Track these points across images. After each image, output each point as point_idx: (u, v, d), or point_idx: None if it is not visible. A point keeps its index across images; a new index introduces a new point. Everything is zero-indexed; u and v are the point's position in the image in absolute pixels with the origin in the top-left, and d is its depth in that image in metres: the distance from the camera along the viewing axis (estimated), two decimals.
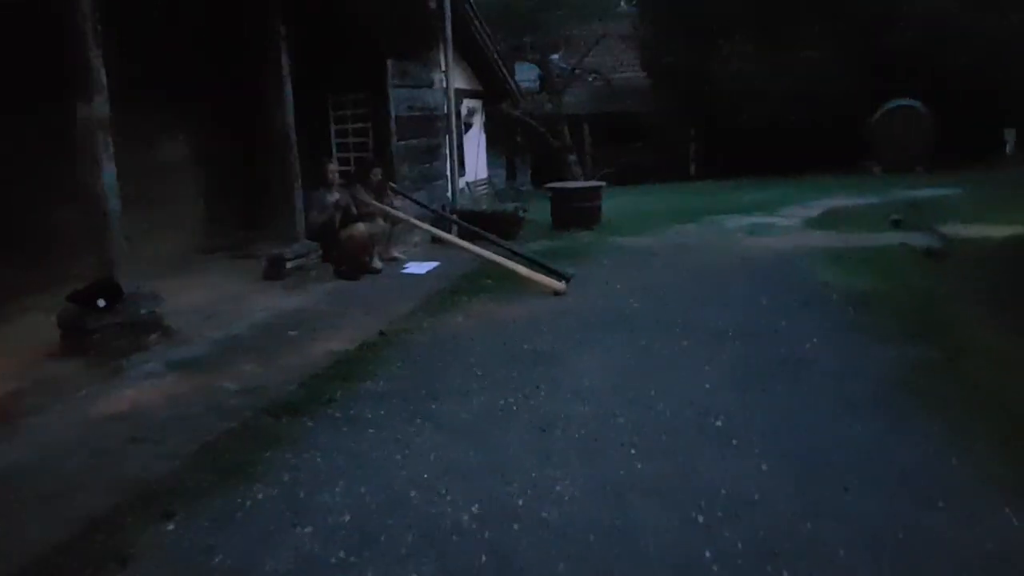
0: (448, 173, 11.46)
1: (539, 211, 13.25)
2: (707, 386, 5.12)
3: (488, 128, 14.68)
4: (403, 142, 10.01)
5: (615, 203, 13.77)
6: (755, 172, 19.66)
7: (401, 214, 8.97)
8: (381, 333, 6.44)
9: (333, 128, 9.86)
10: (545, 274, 8.27)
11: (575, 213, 12.98)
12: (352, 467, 4.13)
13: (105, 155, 5.58)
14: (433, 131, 11.01)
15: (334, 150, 9.83)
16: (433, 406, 4.95)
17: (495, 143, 15.23)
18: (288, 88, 7.70)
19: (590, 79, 20.31)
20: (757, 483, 3.79)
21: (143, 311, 5.82)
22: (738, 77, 19.98)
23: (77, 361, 5.37)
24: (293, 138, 7.67)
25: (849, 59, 19.74)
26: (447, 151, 11.42)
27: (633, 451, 4.19)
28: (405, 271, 8.73)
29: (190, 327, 6.30)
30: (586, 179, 15.50)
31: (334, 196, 8.30)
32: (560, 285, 7.98)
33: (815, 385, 5.12)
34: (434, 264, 9.00)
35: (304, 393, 5.14)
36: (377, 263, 8.68)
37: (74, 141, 5.58)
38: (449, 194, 11.52)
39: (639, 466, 4.01)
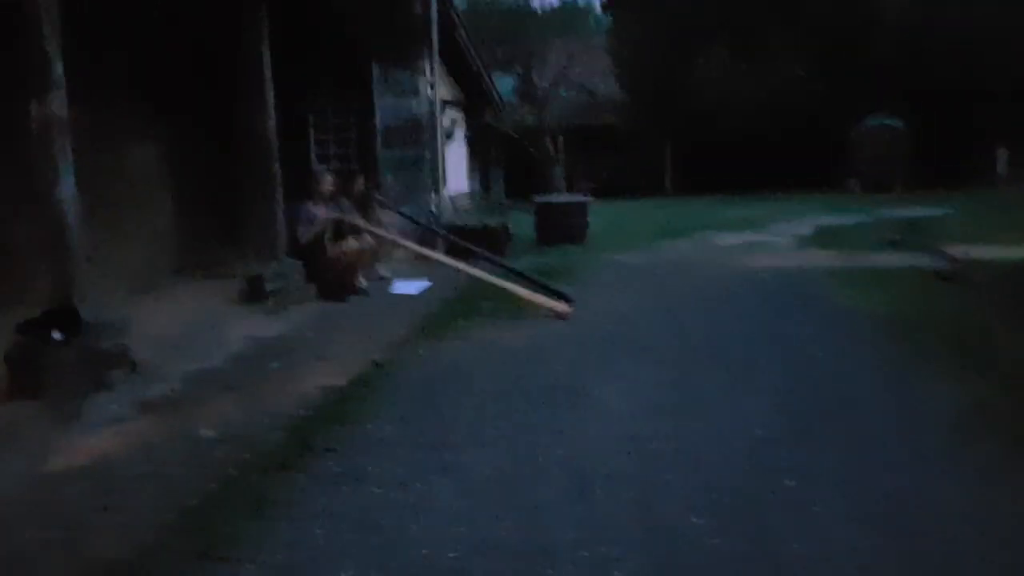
0: (433, 185, 10.72)
1: (520, 226, 12.54)
2: (758, 433, 4.42)
3: (469, 139, 13.99)
4: (388, 151, 9.25)
5: (596, 218, 13.13)
6: (731, 188, 19.19)
7: (386, 232, 8.21)
8: (376, 364, 5.68)
9: (313, 136, 9.07)
10: (545, 295, 7.58)
11: (561, 228, 12.32)
12: (360, 542, 3.36)
13: (63, 160, 4.77)
14: (418, 141, 10.28)
15: (313, 159, 9.04)
16: (447, 456, 4.20)
17: (473, 155, 14.54)
18: (270, 92, 6.94)
19: (574, 92, 19.70)
20: (860, 565, 3.10)
21: (106, 343, 5.00)
22: (712, 90, 19.54)
23: (28, 404, 4.55)
24: (275, 146, 6.89)
25: (826, 72, 19.39)
26: (432, 162, 10.69)
27: (697, 520, 3.47)
28: (395, 291, 7.97)
29: (160, 359, 5.49)
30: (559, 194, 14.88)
31: (322, 210, 7.55)
32: (565, 307, 7.28)
33: (879, 432, 4.46)
34: (424, 284, 8.25)
35: (295, 441, 4.36)
36: (363, 282, 7.91)
37: (28, 144, 4.77)
38: (434, 207, 10.77)
39: (711, 542, 3.30)
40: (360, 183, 8.12)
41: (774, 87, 19.08)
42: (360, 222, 8.12)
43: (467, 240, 9.20)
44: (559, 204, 12.73)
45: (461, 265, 7.91)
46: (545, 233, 12.43)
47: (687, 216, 15.64)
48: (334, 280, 7.41)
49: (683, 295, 8.23)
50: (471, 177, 14.30)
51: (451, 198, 12.42)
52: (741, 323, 6.90)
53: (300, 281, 7.20)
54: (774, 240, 12.31)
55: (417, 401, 5.07)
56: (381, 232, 8.15)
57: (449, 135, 12.98)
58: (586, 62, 21.73)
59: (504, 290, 7.69)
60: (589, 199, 12.94)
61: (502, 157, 15.76)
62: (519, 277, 7.99)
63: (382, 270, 8.58)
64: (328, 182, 7.58)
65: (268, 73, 6.89)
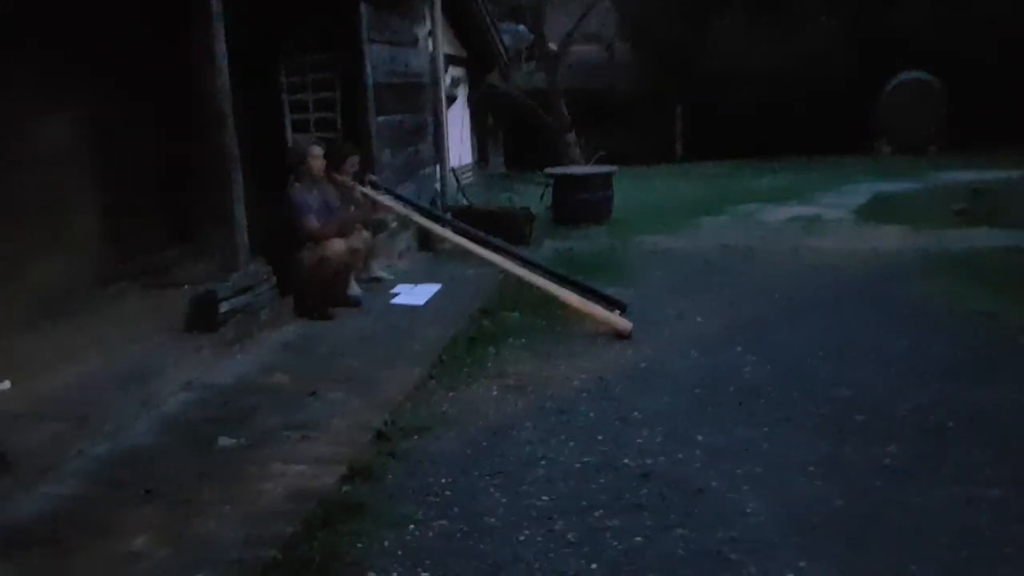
0: (437, 159, 8.67)
1: (527, 202, 10.53)
2: None
3: (473, 103, 11.86)
4: (383, 118, 7.17)
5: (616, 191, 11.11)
6: (747, 154, 17.13)
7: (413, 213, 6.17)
8: (380, 436, 3.71)
9: (287, 100, 6.98)
10: (595, 302, 5.61)
11: (583, 206, 10.27)
12: None
13: None
14: (418, 104, 8.20)
15: (288, 130, 6.96)
16: None
17: (474, 122, 12.43)
18: (220, 39, 4.86)
19: (588, 50, 17.38)
20: None
21: None
22: (729, 51, 17.42)
23: None
24: (228, 109, 4.83)
25: (852, 32, 17.31)
26: (436, 131, 8.63)
27: None
28: (396, 301, 5.96)
29: (52, 441, 3.49)
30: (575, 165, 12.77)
31: (315, 195, 5.55)
32: (624, 323, 5.32)
33: None
34: (433, 288, 6.25)
35: None
36: (355, 289, 5.91)
37: None
38: (438, 186, 8.73)
39: None
40: (354, 161, 6.05)
41: (798, 48, 16.99)
42: (386, 202, 6.11)
43: (481, 226, 7.21)
44: (580, 176, 10.65)
45: (508, 264, 5.89)
46: (564, 211, 10.40)
47: (714, 187, 13.61)
48: (317, 292, 5.39)
49: (760, 298, 6.25)
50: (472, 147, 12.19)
51: (454, 173, 10.36)
52: (865, 348, 4.94)
53: (270, 295, 5.17)
54: (828, 214, 10.31)
55: (448, 513, 3.11)
56: (416, 216, 6.12)
57: (451, 98, 10.88)
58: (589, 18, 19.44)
59: (538, 294, 5.72)
60: (614, 170, 10.89)
61: (504, 124, 13.57)
62: (555, 278, 5.99)
63: (378, 269, 6.56)
64: (318, 156, 5.54)
65: (219, 13, 4.82)
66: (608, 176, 10.73)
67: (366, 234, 5.92)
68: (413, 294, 5.99)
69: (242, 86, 5.15)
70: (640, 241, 8.90)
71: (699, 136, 19.02)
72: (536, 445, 3.68)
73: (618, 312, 5.66)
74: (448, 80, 10.74)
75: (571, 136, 14.29)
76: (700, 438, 3.70)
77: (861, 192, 11.93)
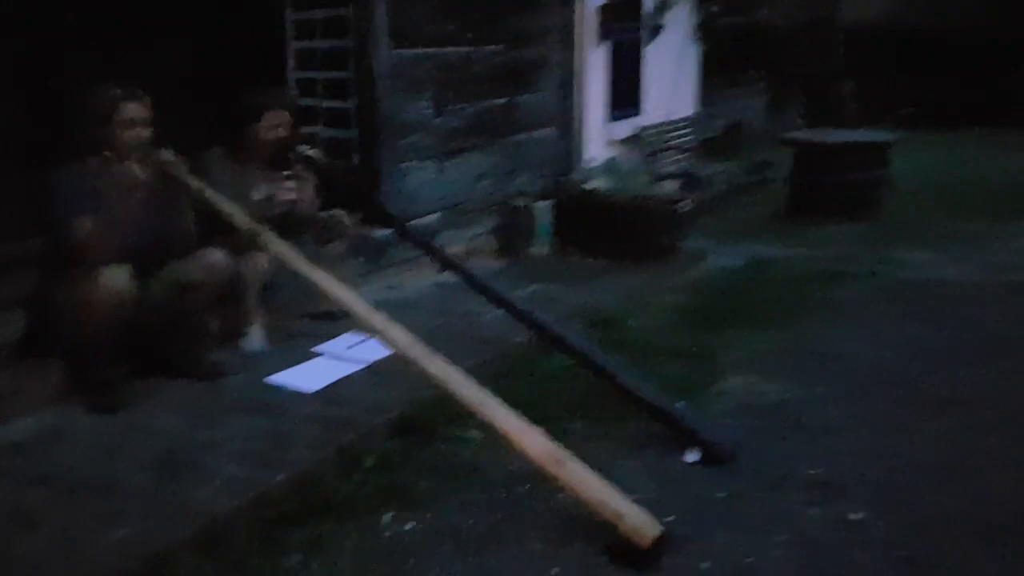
0: (564, 118, 5.69)
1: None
2: None
3: (700, 35, 8.40)
4: (415, 50, 4.40)
5: (904, 165, 7.20)
6: None
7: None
8: None
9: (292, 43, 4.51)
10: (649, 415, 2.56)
11: (832, 190, 6.67)
12: None
13: None
14: (523, 29, 5.25)
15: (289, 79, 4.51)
16: None
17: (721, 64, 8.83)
18: None
19: None
20: None
21: None
22: None
23: None
24: None
25: None
26: (562, 74, 5.63)
27: None
28: (275, 379, 3.23)
29: None
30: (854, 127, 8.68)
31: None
32: (642, 523, 2.23)
33: None
34: (346, 363, 3.39)
35: None
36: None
37: None
38: (572, 153, 5.77)
39: None
40: (276, 118, 3.45)
41: None
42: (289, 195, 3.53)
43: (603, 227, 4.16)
44: (834, 146, 7.00)
45: (425, 358, 2.83)
46: (801, 199, 6.92)
47: None
48: (90, 350, 2.90)
49: None
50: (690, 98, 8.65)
51: (642, 133, 7.26)
52: None
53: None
54: None
55: None
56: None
57: (654, 27, 7.64)
58: None
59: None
60: (890, 140, 7.06)
61: (788, 67, 9.64)
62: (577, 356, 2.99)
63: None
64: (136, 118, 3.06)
65: None
66: (880, 148, 6.95)
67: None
68: (306, 375, 3.24)
69: None
70: (902, 261, 5.28)
71: None
72: None
73: (692, 457, 2.63)
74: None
75: (846, 86, 10.14)
76: None
77: None
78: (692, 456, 2.80)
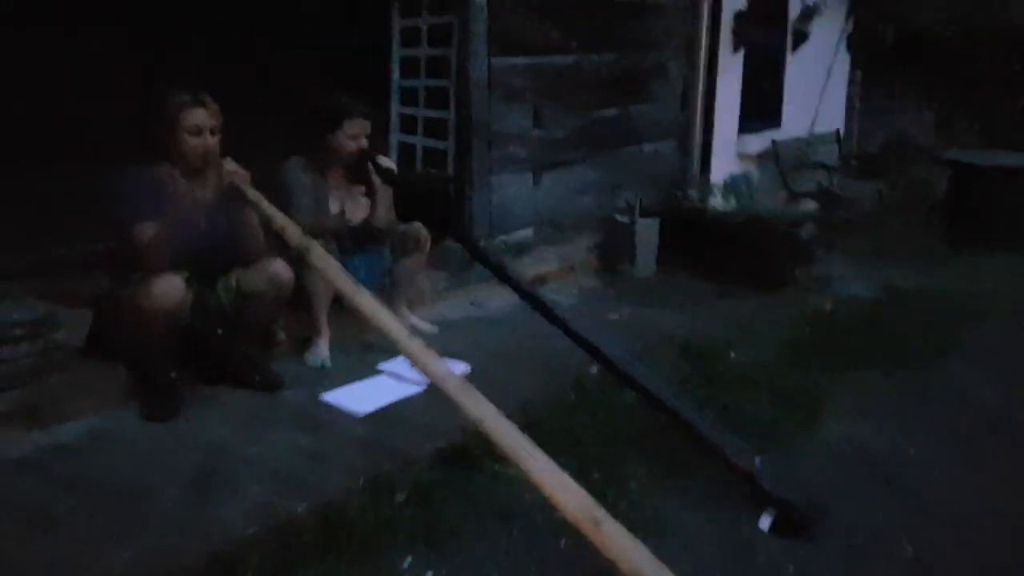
0: (684, 131, 5.33)
1: None
2: None
3: (852, 45, 7.70)
4: (516, 59, 4.21)
5: None
6: None
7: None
8: None
9: (397, 51, 4.44)
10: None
11: (991, 218, 5.98)
12: None
13: None
14: (640, 36, 4.96)
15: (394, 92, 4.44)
16: None
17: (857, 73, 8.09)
18: None
19: None
20: None
21: None
22: None
23: None
24: None
25: None
26: (684, 84, 5.28)
27: None
28: (330, 397, 3.09)
29: None
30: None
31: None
32: None
33: None
34: (413, 388, 3.13)
35: None
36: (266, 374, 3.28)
37: None
38: (689, 167, 5.40)
39: None
40: (359, 124, 3.34)
41: None
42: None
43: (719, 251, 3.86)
44: (995, 169, 6.26)
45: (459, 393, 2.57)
46: (960, 224, 6.24)
47: None
48: (144, 357, 2.89)
49: None
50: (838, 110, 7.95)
51: (779, 146, 6.76)
52: None
53: (39, 360, 2.81)
54: None
55: None
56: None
57: (799, 34, 7.12)
58: None
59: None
60: None
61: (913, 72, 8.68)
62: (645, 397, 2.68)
63: (413, 313, 3.77)
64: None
65: None
66: None
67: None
68: (374, 387, 3.11)
69: None
70: None
71: None
72: None
73: (766, 523, 2.31)
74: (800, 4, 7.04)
75: None
76: None
77: None
78: (765, 521, 2.44)
